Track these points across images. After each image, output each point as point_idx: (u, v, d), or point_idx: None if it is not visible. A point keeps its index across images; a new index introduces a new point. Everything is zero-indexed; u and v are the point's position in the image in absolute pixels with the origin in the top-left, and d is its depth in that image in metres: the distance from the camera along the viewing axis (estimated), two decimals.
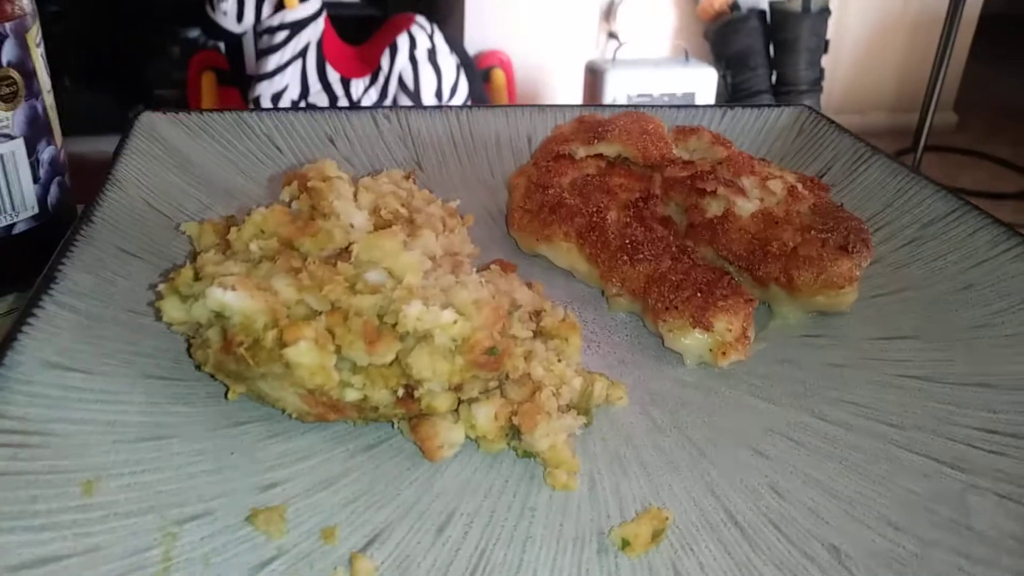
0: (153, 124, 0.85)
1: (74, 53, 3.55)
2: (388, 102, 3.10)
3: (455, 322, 0.49)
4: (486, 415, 0.51)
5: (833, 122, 0.96)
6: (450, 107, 0.93)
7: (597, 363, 0.64)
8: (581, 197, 0.75)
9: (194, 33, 3.74)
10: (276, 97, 3.07)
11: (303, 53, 3.07)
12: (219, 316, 0.49)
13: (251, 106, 2.98)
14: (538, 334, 0.56)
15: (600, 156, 0.81)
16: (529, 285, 0.63)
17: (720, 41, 3.52)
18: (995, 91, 4.21)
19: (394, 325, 0.49)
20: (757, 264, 0.69)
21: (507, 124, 0.94)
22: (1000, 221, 0.75)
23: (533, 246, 0.75)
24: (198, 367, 0.53)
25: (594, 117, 0.85)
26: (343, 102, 3.10)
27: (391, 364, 0.50)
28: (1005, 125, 3.91)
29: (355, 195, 0.58)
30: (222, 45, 3.50)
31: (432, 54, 3.12)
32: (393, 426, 0.54)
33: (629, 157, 0.80)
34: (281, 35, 3.05)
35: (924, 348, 0.66)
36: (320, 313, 0.49)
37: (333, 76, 3.15)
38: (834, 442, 0.56)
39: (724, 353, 0.62)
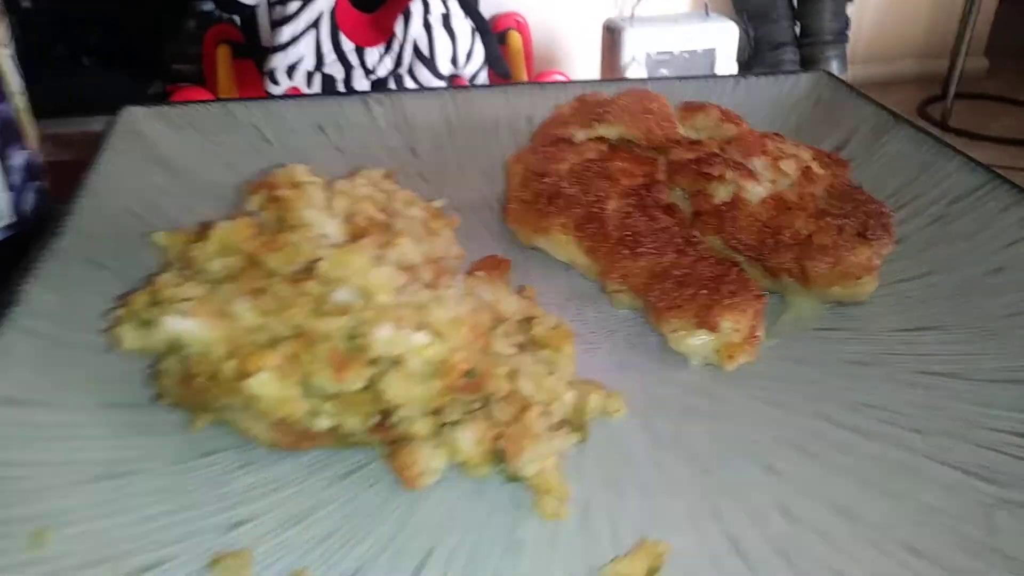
0: (134, 120, 0.82)
1: (91, 32, 3.53)
2: (403, 70, 3.04)
3: (429, 344, 0.45)
4: (469, 439, 0.48)
5: (854, 89, 0.90)
6: (445, 89, 0.89)
7: (596, 367, 0.60)
8: (580, 185, 0.70)
9: (209, 6, 3.69)
10: (291, 69, 3.02)
11: (316, 23, 3.01)
12: (176, 345, 0.46)
13: (266, 79, 2.95)
14: (525, 347, 0.52)
15: (601, 139, 0.76)
16: (521, 289, 0.59)
17: None
18: None
19: (365, 349, 0.45)
20: (768, 254, 0.64)
21: (506, 105, 0.89)
22: None
23: (530, 238, 0.71)
24: (158, 397, 0.50)
25: (595, 96, 0.80)
26: (358, 71, 3.04)
27: (364, 389, 0.46)
28: None
29: (329, 201, 0.54)
30: (237, 18, 3.45)
31: (446, 19, 3.05)
32: (374, 450, 0.50)
33: (632, 139, 0.75)
34: (294, 6, 2.99)
35: (950, 340, 0.62)
36: (284, 339, 0.46)
37: (348, 46, 3.09)
38: (850, 452, 0.52)
39: (731, 355, 0.58)
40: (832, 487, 0.49)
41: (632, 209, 0.68)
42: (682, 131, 0.76)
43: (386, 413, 0.47)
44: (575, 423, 0.52)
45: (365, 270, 0.47)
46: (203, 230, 0.53)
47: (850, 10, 3.37)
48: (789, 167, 0.69)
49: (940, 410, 0.55)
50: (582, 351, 0.61)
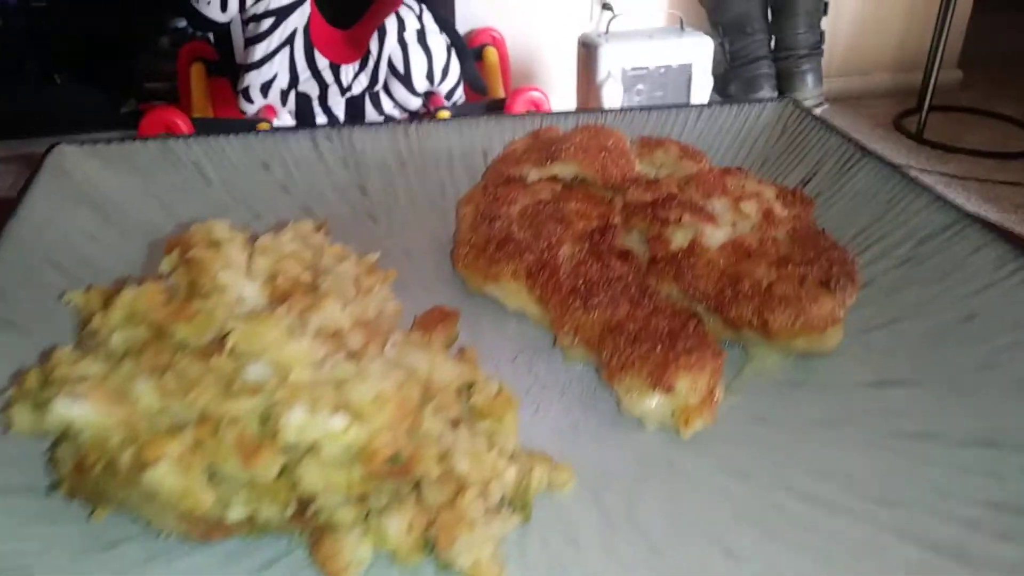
0: (64, 159, 0.77)
1: (62, 48, 3.46)
2: (379, 87, 3.01)
3: (347, 428, 0.41)
4: (397, 527, 0.44)
5: (819, 119, 0.87)
6: (397, 122, 0.85)
7: (545, 431, 0.56)
8: (532, 229, 0.66)
9: (184, 23, 3.64)
10: (265, 87, 2.98)
11: (290, 40, 2.97)
12: (70, 431, 0.42)
13: (240, 97, 2.90)
14: (460, 421, 0.47)
15: (555, 178, 0.72)
16: (462, 352, 0.55)
17: (716, 7, 3.39)
18: (1001, 43, 4.05)
19: (278, 433, 0.41)
20: (728, 305, 0.60)
21: (460, 138, 0.85)
22: (1007, 236, 0.66)
23: (480, 286, 0.67)
24: (55, 485, 0.45)
25: (550, 132, 0.76)
26: (333, 89, 3.00)
27: (280, 476, 0.42)
28: (1011, 80, 3.77)
29: (249, 261, 0.50)
30: (212, 35, 3.40)
31: (421, 35, 3.02)
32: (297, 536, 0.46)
33: (587, 178, 0.72)
34: (267, 23, 2.95)
35: (921, 396, 0.58)
36: (188, 423, 0.42)
37: (322, 63, 3.05)
38: (814, 529, 0.48)
39: (688, 420, 0.54)
40: (793, 571, 0.46)
41: (586, 255, 0.64)
42: (640, 168, 0.73)
43: (305, 501, 0.43)
44: (517, 502, 0.48)
45: (280, 343, 0.43)
46: (110, 296, 0.49)
47: (824, 24, 3.37)
48: (750, 208, 0.66)
49: (910, 478, 0.52)
50: (531, 412, 0.57)
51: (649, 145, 0.74)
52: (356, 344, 0.48)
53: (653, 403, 0.55)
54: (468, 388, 0.52)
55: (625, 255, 0.65)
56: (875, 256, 0.71)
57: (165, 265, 0.49)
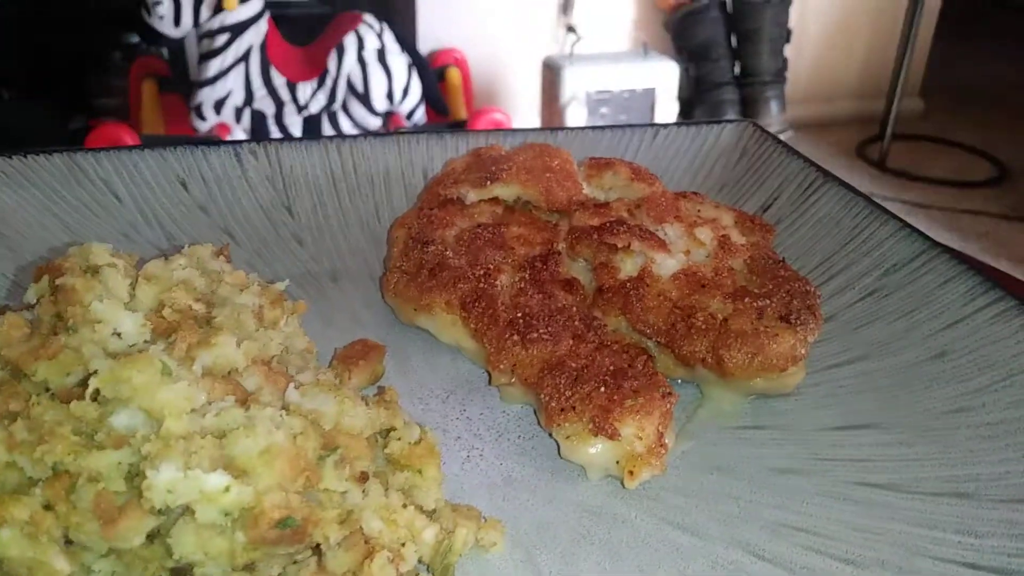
0: None
1: (10, 64, 3.36)
2: (337, 106, 2.95)
3: (228, 488, 0.35)
4: None
5: (780, 141, 0.82)
6: (330, 138, 0.79)
7: (477, 481, 0.50)
8: (468, 255, 0.61)
9: (136, 38, 3.55)
10: (219, 104, 2.91)
11: (246, 57, 2.91)
12: None
13: (193, 114, 2.83)
14: (365, 478, 0.41)
15: (496, 200, 0.67)
16: (381, 392, 0.49)
17: (681, 32, 3.39)
18: (961, 72, 4.10)
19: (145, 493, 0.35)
20: (680, 341, 0.55)
21: (399, 156, 0.80)
22: (977, 268, 0.62)
23: (412, 317, 0.61)
24: None
25: (492, 151, 0.71)
26: (290, 107, 2.94)
27: (148, 543, 0.36)
28: (972, 108, 3.81)
29: (132, 289, 0.43)
30: (165, 51, 3.33)
31: (382, 54, 2.97)
32: None
33: (530, 201, 0.66)
34: (221, 39, 2.88)
35: (889, 442, 0.53)
36: (39, 481, 0.35)
37: (279, 80, 2.99)
38: None
39: (633, 471, 0.48)
40: None
41: (526, 284, 0.58)
42: (587, 191, 0.68)
43: (180, 571, 0.36)
44: (437, 566, 0.42)
45: (153, 387, 0.37)
46: None
47: (788, 51, 3.37)
48: (705, 235, 0.61)
49: (878, 533, 0.46)
50: (461, 461, 0.51)
51: (598, 166, 0.69)
52: (251, 386, 0.42)
53: (596, 450, 0.49)
54: (385, 435, 0.46)
55: (569, 284, 0.59)
56: (839, 287, 0.66)
57: (31, 294, 0.43)
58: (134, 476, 0.36)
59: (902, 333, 0.61)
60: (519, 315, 0.56)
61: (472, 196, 0.66)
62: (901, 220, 0.68)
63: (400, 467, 0.44)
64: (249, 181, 0.76)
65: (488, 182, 0.66)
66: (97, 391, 0.36)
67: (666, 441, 0.49)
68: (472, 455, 0.52)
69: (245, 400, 0.39)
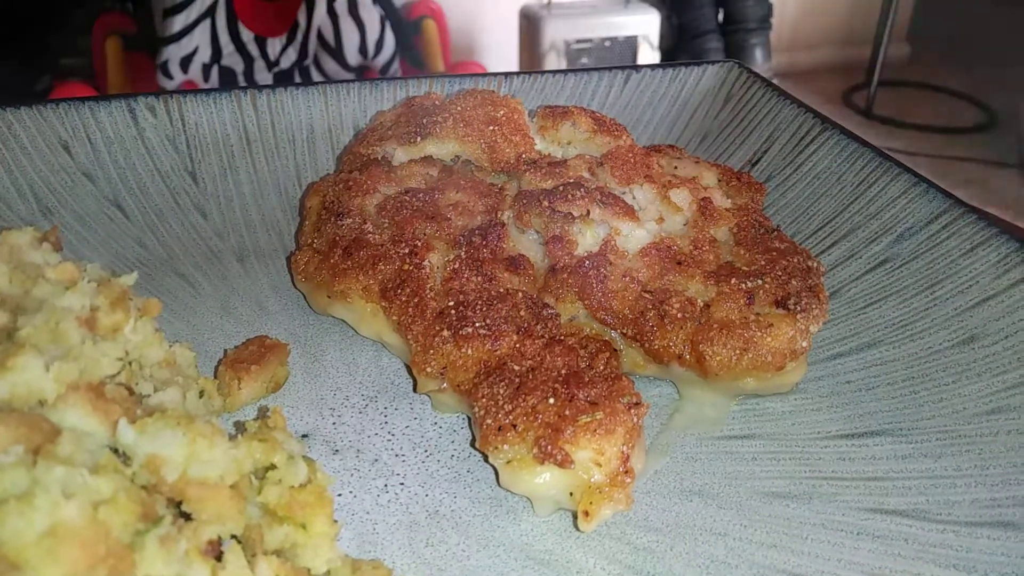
0: None
1: None
2: (309, 61, 2.81)
3: None
4: None
5: (770, 84, 0.71)
6: (243, 89, 0.67)
7: (394, 520, 0.39)
8: (392, 229, 0.50)
9: None
10: (185, 61, 2.76)
11: (212, 11, 2.76)
12: None
13: (159, 72, 2.68)
14: (216, 549, 0.30)
15: (429, 159, 0.55)
16: (263, 415, 0.38)
17: None
18: (948, 17, 3.98)
19: None
20: (651, 333, 0.44)
21: (325, 110, 0.68)
22: (1011, 231, 0.51)
23: (325, 305, 0.50)
24: None
25: (427, 100, 0.59)
26: (260, 63, 2.80)
27: None
28: (959, 53, 3.71)
29: None
30: (131, 5, 3.17)
31: (353, 6, 2.83)
32: None
33: (471, 160, 0.55)
34: None
35: (910, 454, 0.43)
36: None
37: (247, 36, 2.84)
38: None
39: (588, 511, 0.37)
40: None
41: (461, 265, 0.47)
42: (540, 146, 0.56)
43: None
44: None
45: None
46: None
47: None
48: (682, 198, 0.50)
49: None
50: (378, 491, 0.41)
51: (553, 116, 0.57)
52: (70, 421, 0.31)
53: (543, 480, 0.38)
54: (262, 475, 0.35)
55: (515, 263, 0.48)
56: (842, 256, 0.55)
57: None
58: None
59: (921, 313, 0.50)
60: (451, 304, 0.45)
61: (400, 155, 0.55)
62: (916, 174, 0.56)
63: (278, 521, 0.33)
64: (146, 142, 0.64)
65: (418, 137, 0.54)
66: None
67: (632, 465, 0.39)
68: (391, 484, 0.41)
69: (39, 450, 0.28)
